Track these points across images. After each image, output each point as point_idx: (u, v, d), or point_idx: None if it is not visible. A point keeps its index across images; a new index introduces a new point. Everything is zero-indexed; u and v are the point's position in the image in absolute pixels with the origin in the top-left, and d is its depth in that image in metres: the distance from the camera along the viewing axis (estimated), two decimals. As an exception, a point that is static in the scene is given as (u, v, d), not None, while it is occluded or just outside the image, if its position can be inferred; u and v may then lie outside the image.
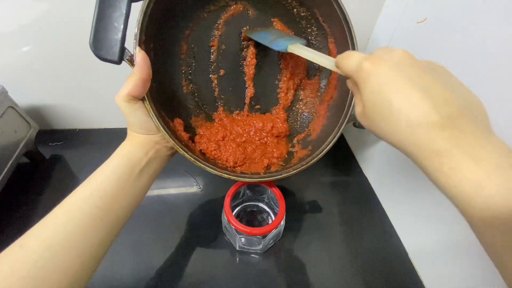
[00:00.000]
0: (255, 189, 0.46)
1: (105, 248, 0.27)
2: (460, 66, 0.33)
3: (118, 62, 0.28)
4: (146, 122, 0.30)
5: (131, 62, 0.29)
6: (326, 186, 0.54)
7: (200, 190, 0.51)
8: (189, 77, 0.40)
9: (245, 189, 0.45)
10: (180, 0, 0.35)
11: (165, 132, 0.30)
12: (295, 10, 0.40)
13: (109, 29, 0.28)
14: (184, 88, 0.40)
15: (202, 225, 0.45)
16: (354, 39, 0.36)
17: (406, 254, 0.44)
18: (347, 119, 0.38)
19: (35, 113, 0.55)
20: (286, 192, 0.41)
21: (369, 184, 0.54)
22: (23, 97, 0.49)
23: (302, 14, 0.40)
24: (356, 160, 0.59)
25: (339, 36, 0.38)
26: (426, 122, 0.18)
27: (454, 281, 0.36)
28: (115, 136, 0.34)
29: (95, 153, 0.52)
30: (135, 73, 0.28)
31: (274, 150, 0.41)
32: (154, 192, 0.50)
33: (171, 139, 0.31)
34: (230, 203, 0.39)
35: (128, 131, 0.31)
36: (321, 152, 0.37)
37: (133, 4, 0.28)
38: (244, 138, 0.41)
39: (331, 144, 0.37)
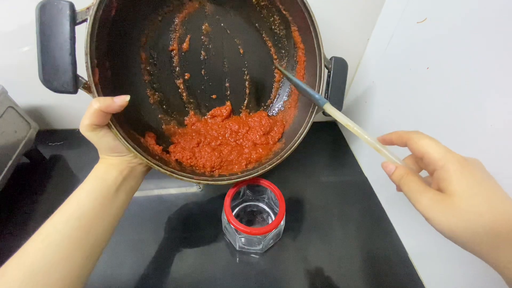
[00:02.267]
0: (255, 189, 0.46)
1: (88, 268, 0.27)
2: (460, 66, 0.33)
3: (74, 92, 0.27)
4: (116, 146, 0.29)
5: (88, 89, 0.27)
6: (326, 186, 0.54)
7: (200, 190, 0.51)
8: (154, 85, 0.39)
9: (245, 189, 0.45)
10: (130, 7, 0.32)
11: (137, 152, 0.30)
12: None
13: (57, 59, 0.25)
14: (150, 98, 0.39)
15: (202, 225, 0.45)
16: (316, 27, 0.36)
17: (406, 254, 0.44)
18: (316, 108, 0.39)
19: (35, 113, 0.55)
20: (286, 192, 0.41)
21: (369, 184, 0.54)
22: (23, 97, 0.49)
23: (262, 3, 0.39)
24: (356, 160, 0.59)
25: (302, 24, 0.38)
26: None
27: (454, 281, 0.36)
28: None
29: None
30: (95, 102, 0.26)
31: (252, 152, 0.40)
32: (154, 192, 0.50)
33: (144, 158, 0.30)
34: (230, 203, 0.39)
35: (100, 154, 0.31)
36: (294, 144, 0.38)
37: (77, 27, 0.26)
38: (219, 141, 0.41)
39: (303, 135, 0.38)
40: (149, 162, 0.31)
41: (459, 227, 0.19)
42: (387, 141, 0.26)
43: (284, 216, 0.39)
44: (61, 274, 0.24)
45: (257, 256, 0.42)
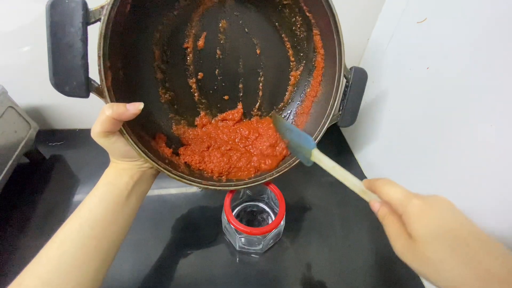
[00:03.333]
0: (255, 189, 0.46)
1: (103, 271, 0.27)
2: (460, 66, 0.33)
3: (86, 96, 0.26)
4: (127, 151, 0.29)
5: (100, 94, 0.26)
6: (326, 186, 0.54)
7: (200, 190, 0.51)
8: (166, 84, 0.38)
9: (245, 189, 0.45)
10: (145, 2, 0.31)
11: (148, 158, 0.29)
12: None
13: (68, 62, 0.24)
14: (161, 97, 0.38)
15: (202, 225, 0.45)
16: (340, 34, 0.34)
17: (406, 254, 0.44)
18: (329, 119, 0.38)
19: (35, 113, 0.55)
20: (286, 192, 0.41)
21: (369, 184, 0.54)
22: (23, 97, 0.49)
23: (285, 2, 0.36)
24: (356, 160, 0.59)
25: (325, 29, 0.36)
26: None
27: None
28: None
29: (95, 153, 0.52)
30: (108, 109, 0.25)
31: (261, 161, 0.40)
32: (154, 192, 0.49)
33: (154, 164, 0.30)
34: (230, 203, 0.39)
35: (111, 158, 0.31)
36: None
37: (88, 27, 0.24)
38: (229, 146, 0.40)
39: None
40: (159, 167, 0.31)
41: (430, 272, 0.20)
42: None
43: (284, 216, 0.39)
44: (77, 281, 0.24)
45: (257, 256, 0.42)
